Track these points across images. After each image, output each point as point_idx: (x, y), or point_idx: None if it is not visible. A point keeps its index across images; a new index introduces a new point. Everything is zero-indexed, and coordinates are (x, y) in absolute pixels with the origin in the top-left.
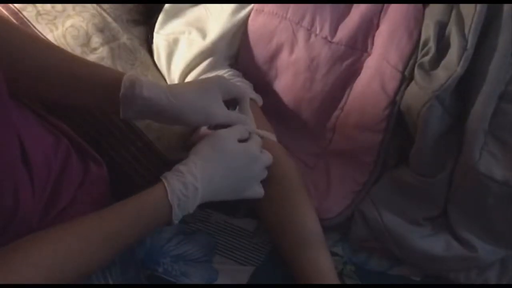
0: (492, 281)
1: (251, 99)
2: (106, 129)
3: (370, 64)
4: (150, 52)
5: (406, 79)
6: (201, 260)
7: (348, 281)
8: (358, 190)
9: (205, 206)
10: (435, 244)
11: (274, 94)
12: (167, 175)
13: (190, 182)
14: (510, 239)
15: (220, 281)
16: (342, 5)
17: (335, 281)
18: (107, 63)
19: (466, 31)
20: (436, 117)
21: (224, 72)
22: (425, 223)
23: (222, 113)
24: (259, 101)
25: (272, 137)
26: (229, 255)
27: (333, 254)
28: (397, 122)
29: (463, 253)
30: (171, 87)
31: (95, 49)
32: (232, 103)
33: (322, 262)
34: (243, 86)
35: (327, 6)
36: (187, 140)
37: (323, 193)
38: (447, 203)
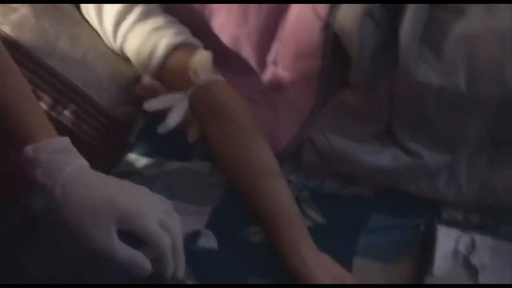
0: (441, 188)
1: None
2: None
3: None
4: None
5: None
6: None
7: (305, 206)
8: (305, 120)
9: (159, 155)
10: (383, 157)
11: (212, 35)
12: None
13: None
14: (452, 144)
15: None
16: None
17: (293, 206)
18: (30, 22)
19: None
20: (369, 33)
21: (160, 19)
22: (371, 140)
23: (110, 246)
24: (199, 45)
25: (219, 77)
26: (187, 198)
27: (288, 182)
28: (335, 46)
29: (410, 162)
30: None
31: (16, 8)
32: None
33: (279, 190)
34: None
35: None
36: (130, 93)
37: (272, 127)
38: (391, 118)
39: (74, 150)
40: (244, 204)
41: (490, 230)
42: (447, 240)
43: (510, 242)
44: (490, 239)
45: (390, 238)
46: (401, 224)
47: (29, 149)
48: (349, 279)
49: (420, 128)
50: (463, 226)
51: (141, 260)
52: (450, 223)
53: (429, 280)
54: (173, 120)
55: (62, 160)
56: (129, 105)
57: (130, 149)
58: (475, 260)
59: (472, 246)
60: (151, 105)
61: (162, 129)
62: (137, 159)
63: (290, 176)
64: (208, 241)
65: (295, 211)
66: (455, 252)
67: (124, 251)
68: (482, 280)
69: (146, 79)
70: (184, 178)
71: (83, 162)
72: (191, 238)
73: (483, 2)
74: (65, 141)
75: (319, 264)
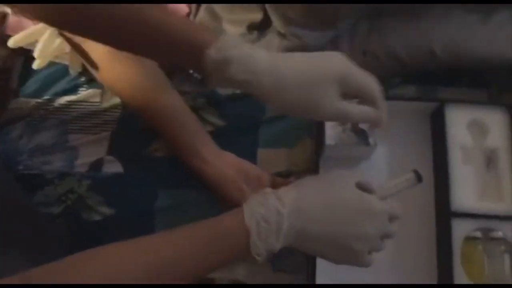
0: None
1: None
2: None
3: None
4: None
5: None
6: (57, 145)
7: (203, 113)
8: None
9: (46, 94)
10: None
11: None
12: (250, 198)
13: (273, 205)
14: (331, 19)
15: (82, 155)
16: None
17: (189, 114)
18: None
19: None
20: None
21: None
22: (251, 32)
23: (342, 108)
24: None
25: None
26: (82, 129)
27: (182, 92)
28: None
29: (289, 45)
30: (273, 65)
31: None
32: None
33: (172, 102)
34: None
35: None
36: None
37: None
38: (266, 7)
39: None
40: (142, 123)
41: None
42: None
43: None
44: None
45: (289, 124)
46: None
47: (211, 52)
48: (253, 170)
49: (296, 11)
50: None
51: (373, 111)
52: None
53: (326, 150)
54: (41, 53)
55: (250, 52)
56: (1, 49)
57: (15, 94)
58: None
59: None
60: (16, 41)
61: (35, 65)
62: (24, 102)
63: (183, 86)
64: (113, 167)
65: (191, 119)
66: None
67: (356, 108)
68: (372, 141)
69: (13, 18)
70: (76, 110)
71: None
72: (95, 167)
73: (483, 2)
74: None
75: (221, 161)
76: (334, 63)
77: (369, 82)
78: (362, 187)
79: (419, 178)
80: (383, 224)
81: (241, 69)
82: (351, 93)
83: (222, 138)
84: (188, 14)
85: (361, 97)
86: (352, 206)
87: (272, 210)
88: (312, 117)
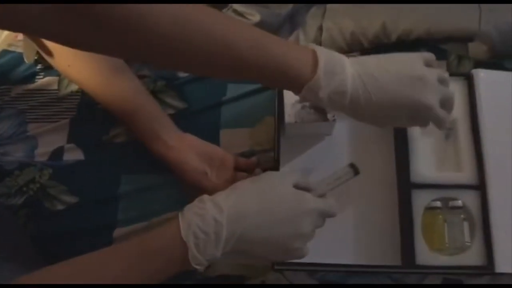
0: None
1: None
2: None
3: None
4: None
5: None
6: (16, 135)
7: (163, 96)
8: None
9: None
10: None
11: None
12: (185, 208)
13: (211, 215)
14: None
15: (42, 144)
16: None
17: (147, 98)
18: None
19: None
20: None
21: None
22: None
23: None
24: None
25: None
26: (41, 118)
27: (142, 76)
28: None
29: None
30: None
31: None
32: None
33: (132, 84)
34: None
35: None
36: None
37: None
38: None
39: None
40: (101, 109)
41: None
42: None
43: None
44: None
45: (250, 104)
46: (257, 89)
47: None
48: (217, 152)
49: None
50: None
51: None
52: None
53: (286, 128)
54: None
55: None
56: None
57: None
58: None
59: None
60: None
61: None
62: None
63: (142, 71)
64: (73, 154)
65: (150, 103)
66: None
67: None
68: (330, 117)
69: None
70: (34, 99)
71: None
72: (56, 155)
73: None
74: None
75: (183, 144)
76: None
77: None
78: (300, 186)
79: (355, 171)
80: (318, 220)
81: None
82: None
83: (184, 121)
84: None
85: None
86: (288, 207)
87: (210, 220)
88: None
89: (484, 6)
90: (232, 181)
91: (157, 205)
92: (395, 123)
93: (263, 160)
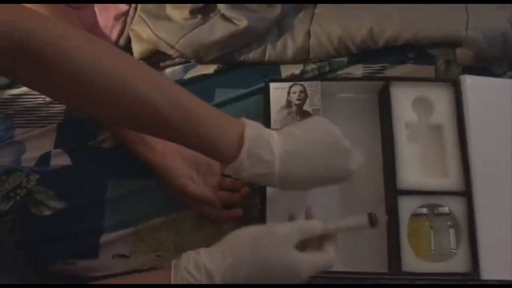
0: (275, 48)
1: None
2: None
3: None
4: None
5: None
6: (3, 140)
7: None
8: (124, 11)
9: None
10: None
11: None
12: (178, 272)
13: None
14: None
15: (29, 149)
16: None
17: None
18: None
19: None
20: None
21: None
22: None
23: None
24: None
25: None
26: (28, 122)
27: None
28: None
29: (234, 30)
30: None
31: None
32: None
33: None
34: None
35: None
36: None
37: (94, 25)
38: None
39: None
40: (87, 116)
41: (325, 75)
42: (279, 94)
43: (338, 82)
44: (320, 84)
45: (237, 109)
46: (244, 94)
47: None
48: (203, 157)
49: None
50: (300, 78)
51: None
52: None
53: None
54: None
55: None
56: None
57: None
58: (306, 106)
59: (304, 93)
60: None
61: None
62: None
63: None
64: (61, 160)
65: None
66: (289, 103)
67: None
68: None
69: None
70: (21, 104)
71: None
72: (43, 161)
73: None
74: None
75: (168, 148)
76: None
77: None
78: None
79: (372, 223)
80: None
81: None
82: None
83: None
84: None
85: None
86: (281, 268)
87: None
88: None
89: (472, 12)
90: (219, 187)
91: (144, 210)
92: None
93: None
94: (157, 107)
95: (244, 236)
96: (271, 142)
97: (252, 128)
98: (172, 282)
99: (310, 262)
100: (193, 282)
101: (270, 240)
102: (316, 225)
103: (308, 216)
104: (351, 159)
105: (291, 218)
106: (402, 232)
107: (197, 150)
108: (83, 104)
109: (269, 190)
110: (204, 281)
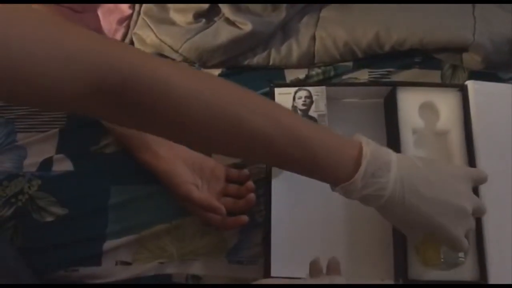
0: (279, 52)
1: None
2: None
3: None
4: None
5: None
6: (5, 145)
7: None
8: (127, 15)
9: None
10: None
11: None
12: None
13: None
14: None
15: (31, 154)
16: None
17: None
18: None
19: None
20: None
21: None
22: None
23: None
24: None
25: None
26: (30, 127)
27: None
28: None
29: (238, 34)
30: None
31: None
32: None
33: None
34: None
35: None
36: None
37: (98, 29)
38: None
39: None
40: (90, 120)
41: (330, 79)
42: (284, 100)
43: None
44: (325, 89)
45: None
46: None
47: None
48: (208, 162)
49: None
50: (305, 83)
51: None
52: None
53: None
54: None
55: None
56: None
57: None
58: (312, 111)
59: (309, 98)
60: None
61: None
62: None
63: None
64: (63, 165)
65: None
66: (294, 109)
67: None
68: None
69: None
70: (23, 108)
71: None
72: (45, 166)
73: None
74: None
75: (172, 154)
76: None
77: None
78: None
79: None
80: None
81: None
82: None
83: None
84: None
85: None
86: None
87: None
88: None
89: (479, 17)
90: (223, 193)
91: (148, 216)
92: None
93: (255, 171)
94: (271, 139)
95: None
96: (390, 161)
97: (371, 145)
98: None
99: None
100: None
101: None
102: (339, 282)
103: (333, 267)
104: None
105: (313, 266)
106: (409, 239)
107: (311, 176)
108: (190, 142)
109: (274, 196)
110: None
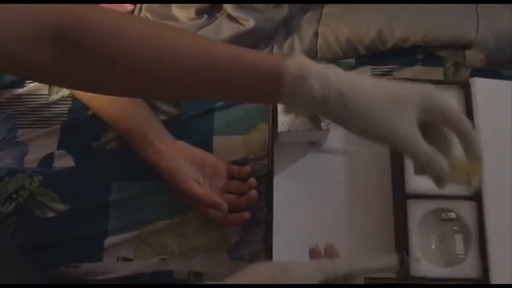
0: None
1: None
2: None
3: None
4: None
5: None
6: (6, 141)
7: (156, 103)
8: (129, 10)
9: None
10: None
11: None
12: None
13: None
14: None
15: (32, 150)
16: None
17: (141, 103)
18: None
19: None
20: None
21: None
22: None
23: (412, 139)
24: None
25: None
26: (31, 123)
27: None
28: None
29: (240, 30)
30: (348, 83)
31: None
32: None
33: None
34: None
35: None
36: None
37: None
38: None
39: None
40: (92, 116)
41: None
42: None
43: None
44: None
45: (243, 110)
46: None
47: (292, 67)
48: (209, 159)
49: None
50: None
51: (441, 159)
52: None
53: (279, 136)
54: None
55: (326, 68)
56: None
57: None
58: None
59: None
60: None
61: None
62: None
63: None
64: (64, 161)
65: (142, 109)
66: None
67: (426, 146)
68: (324, 126)
69: None
70: (24, 104)
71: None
72: (46, 162)
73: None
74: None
75: (174, 150)
76: (416, 85)
77: (456, 111)
78: None
79: (402, 264)
80: None
81: (320, 82)
82: (431, 119)
83: (177, 127)
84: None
85: (445, 124)
86: None
87: None
88: (381, 142)
89: (482, 13)
90: (225, 189)
91: (149, 213)
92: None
93: (257, 168)
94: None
95: (261, 273)
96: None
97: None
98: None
99: None
100: None
101: (288, 281)
102: (340, 265)
103: (330, 252)
104: None
105: (313, 252)
106: (411, 236)
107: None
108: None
109: (275, 193)
110: None
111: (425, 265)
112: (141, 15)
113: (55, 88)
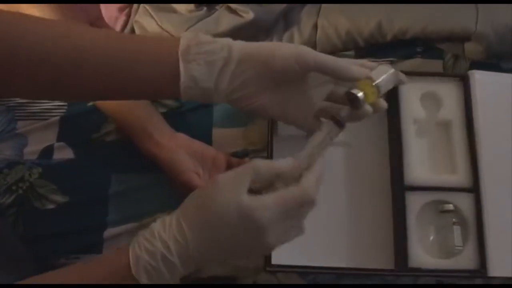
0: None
1: None
2: None
3: None
4: None
5: None
6: (5, 132)
7: None
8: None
9: None
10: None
11: None
12: (135, 239)
13: (160, 253)
14: None
15: (31, 142)
16: None
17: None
18: None
19: None
20: None
21: None
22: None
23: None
24: None
25: None
26: (31, 115)
27: None
28: None
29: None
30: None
31: None
32: None
33: None
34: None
35: None
36: None
37: (99, 17)
38: None
39: None
40: (91, 108)
41: None
42: None
43: None
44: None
45: None
46: None
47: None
48: (209, 151)
49: None
50: None
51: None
52: None
53: (278, 128)
54: None
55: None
56: None
57: None
58: None
59: None
60: None
61: None
62: None
63: None
64: (64, 153)
65: (142, 101)
66: None
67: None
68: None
69: None
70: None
71: None
72: (45, 154)
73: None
74: None
75: (173, 142)
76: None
77: (327, 57)
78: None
79: (339, 125)
80: (282, 225)
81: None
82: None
83: (176, 119)
84: None
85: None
86: (238, 234)
87: (159, 260)
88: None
89: (481, 6)
90: None
91: (148, 205)
92: None
93: None
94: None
95: (195, 195)
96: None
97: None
98: (130, 248)
99: (268, 203)
100: (149, 248)
101: (214, 189)
102: (278, 162)
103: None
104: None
105: None
106: (409, 228)
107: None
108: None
109: None
110: (160, 247)
111: (423, 256)
112: (141, 7)
113: None
